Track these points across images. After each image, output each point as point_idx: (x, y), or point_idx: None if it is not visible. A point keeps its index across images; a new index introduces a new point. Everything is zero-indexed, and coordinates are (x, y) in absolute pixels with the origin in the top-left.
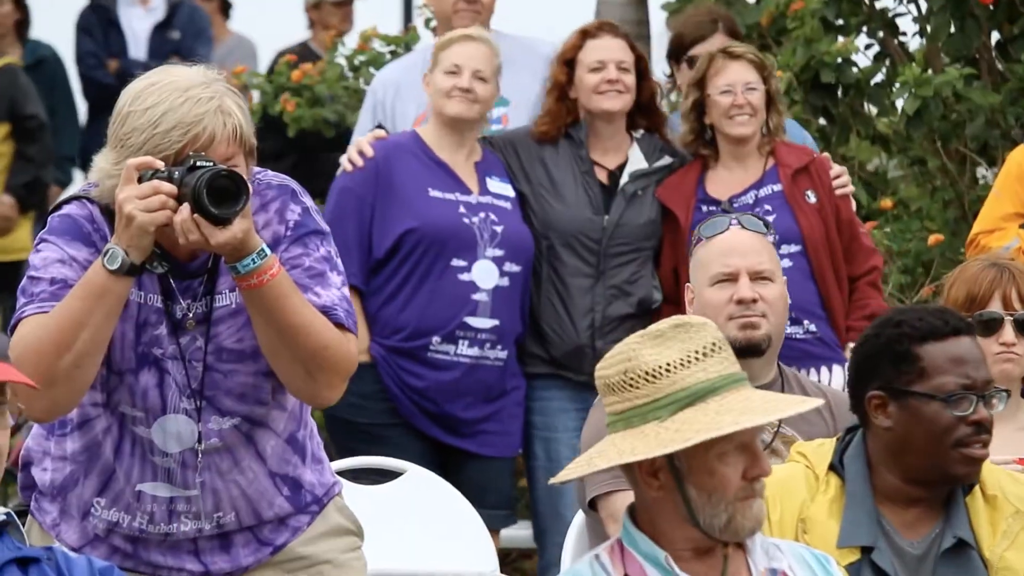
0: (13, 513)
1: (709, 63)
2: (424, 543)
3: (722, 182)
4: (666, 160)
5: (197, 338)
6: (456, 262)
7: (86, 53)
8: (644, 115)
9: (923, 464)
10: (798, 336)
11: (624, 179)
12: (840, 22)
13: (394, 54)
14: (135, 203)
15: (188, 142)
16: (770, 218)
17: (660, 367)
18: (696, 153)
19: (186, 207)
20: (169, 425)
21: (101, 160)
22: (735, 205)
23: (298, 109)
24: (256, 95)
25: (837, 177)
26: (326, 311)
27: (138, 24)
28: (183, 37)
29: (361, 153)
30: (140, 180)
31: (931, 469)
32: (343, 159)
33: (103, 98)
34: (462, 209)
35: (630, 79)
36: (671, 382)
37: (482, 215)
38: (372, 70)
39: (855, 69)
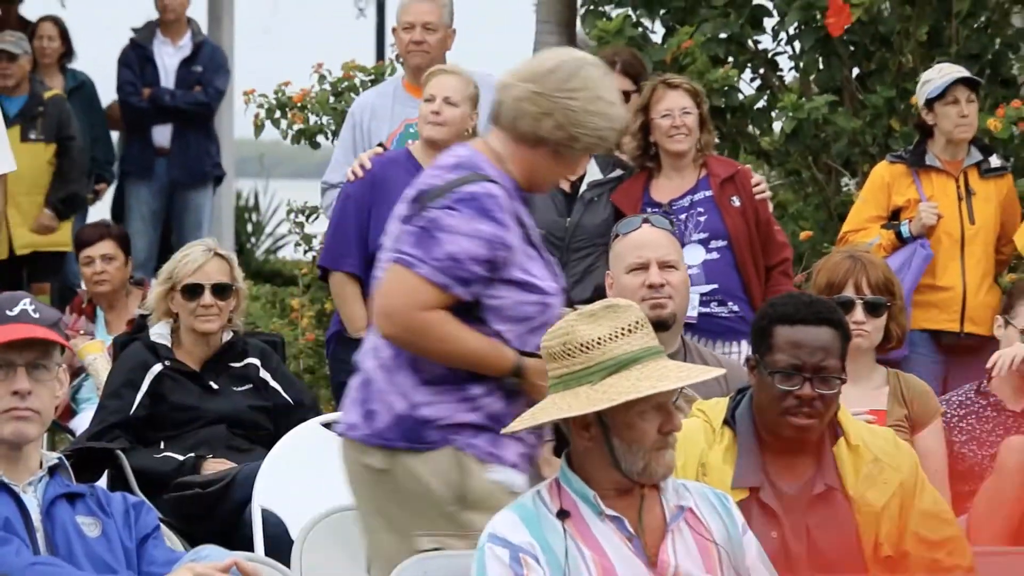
0: (63, 457)
1: (652, 92)
2: None
3: (663, 189)
4: (617, 172)
5: None
6: None
7: (125, 82)
8: None
9: (766, 423)
10: (723, 315)
11: (583, 188)
12: (731, 59)
13: (373, 82)
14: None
15: None
16: (701, 219)
17: (592, 340)
18: (643, 166)
19: None
20: None
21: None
22: (673, 207)
23: (304, 122)
24: (262, 112)
25: (757, 185)
26: None
27: (168, 60)
28: (204, 71)
29: (362, 166)
30: None
31: (770, 428)
32: (347, 171)
33: (137, 119)
34: None
35: None
36: (601, 353)
37: None
38: (352, 95)
39: (740, 96)
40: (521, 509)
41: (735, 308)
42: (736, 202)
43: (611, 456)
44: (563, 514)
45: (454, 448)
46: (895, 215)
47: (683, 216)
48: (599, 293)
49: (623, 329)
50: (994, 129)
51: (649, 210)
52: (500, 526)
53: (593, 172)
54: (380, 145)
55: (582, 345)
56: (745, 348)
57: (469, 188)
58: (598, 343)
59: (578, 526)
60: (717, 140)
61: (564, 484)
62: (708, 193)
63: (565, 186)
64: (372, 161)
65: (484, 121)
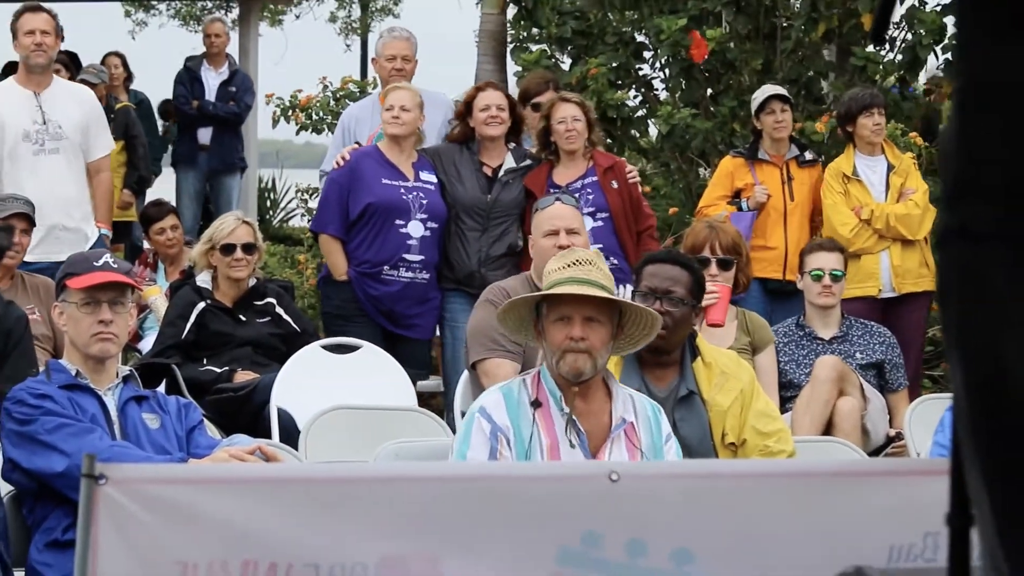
0: (133, 369)
1: (552, 105)
2: (371, 389)
3: (561, 175)
4: (528, 162)
5: None
6: (398, 222)
7: (179, 95)
8: (513, 135)
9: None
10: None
11: (501, 173)
12: (620, 82)
13: (361, 92)
14: None
15: None
16: (590, 197)
17: (550, 269)
18: (546, 158)
19: None
20: None
21: None
22: (569, 188)
23: (305, 121)
24: (278, 111)
25: (630, 172)
26: None
27: (212, 81)
28: (237, 91)
29: (343, 158)
30: None
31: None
32: (332, 161)
33: (187, 122)
34: (402, 190)
35: (505, 114)
36: (549, 279)
37: (415, 194)
38: (347, 101)
39: (628, 111)
40: (507, 391)
41: (615, 262)
42: (615, 185)
43: (546, 355)
44: (536, 404)
45: None
46: (737, 194)
47: (576, 195)
48: (512, 251)
49: (568, 264)
50: (820, 130)
51: (552, 191)
52: (488, 402)
53: (509, 161)
54: (356, 143)
55: (547, 272)
56: (621, 292)
57: None
58: (549, 272)
59: (544, 417)
60: (609, 140)
61: (543, 379)
62: (594, 178)
63: (488, 172)
64: (350, 154)
65: (430, 127)
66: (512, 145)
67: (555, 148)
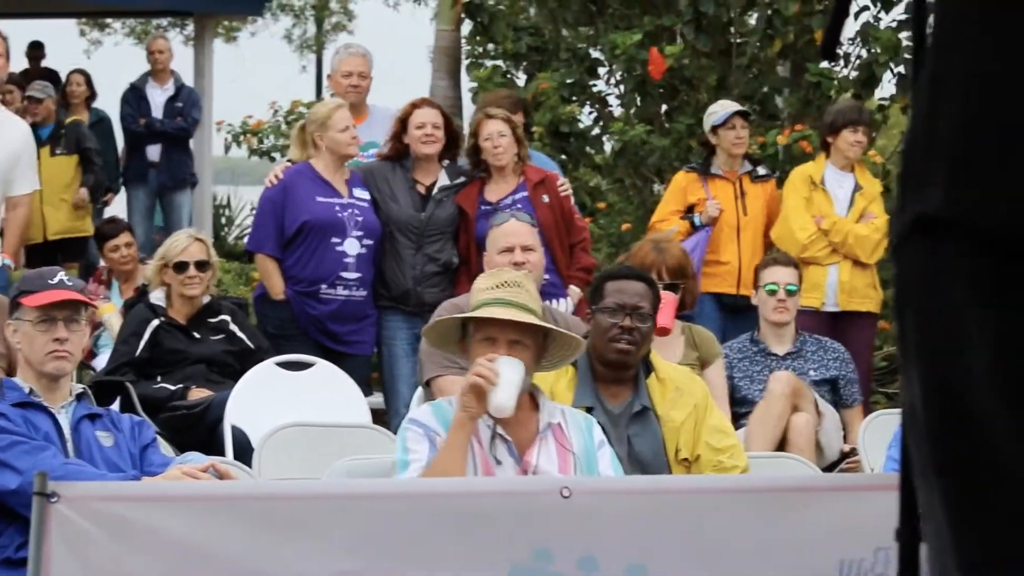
0: (87, 387)
1: (478, 122)
2: (325, 406)
3: (492, 191)
4: (461, 180)
5: None
6: (334, 240)
7: (126, 114)
8: (448, 152)
9: (598, 353)
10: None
11: (435, 191)
12: (574, 98)
13: None
14: None
15: None
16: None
17: (477, 288)
18: (477, 175)
19: None
20: None
21: None
22: (500, 205)
23: (257, 146)
24: (229, 137)
25: (562, 184)
26: None
27: (158, 98)
28: (183, 106)
29: (276, 176)
30: None
31: (601, 356)
32: (266, 179)
33: (135, 140)
34: (337, 207)
35: (440, 133)
36: (477, 298)
37: (350, 211)
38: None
39: (580, 125)
40: (437, 407)
41: (547, 276)
42: (546, 199)
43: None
44: None
45: None
46: (690, 209)
47: (507, 211)
48: (446, 268)
49: (496, 285)
50: (780, 143)
51: (483, 207)
52: (418, 415)
53: (443, 179)
54: (289, 160)
55: (474, 290)
56: (555, 305)
57: None
58: (477, 291)
59: (474, 431)
60: (563, 156)
61: None
62: (524, 194)
63: (422, 189)
64: (284, 172)
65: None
66: (446, 162)
67: (486, 165)
